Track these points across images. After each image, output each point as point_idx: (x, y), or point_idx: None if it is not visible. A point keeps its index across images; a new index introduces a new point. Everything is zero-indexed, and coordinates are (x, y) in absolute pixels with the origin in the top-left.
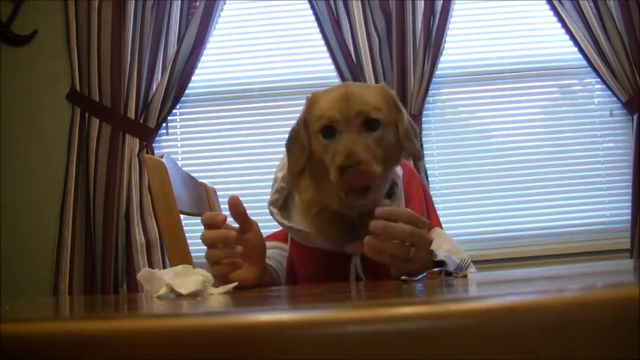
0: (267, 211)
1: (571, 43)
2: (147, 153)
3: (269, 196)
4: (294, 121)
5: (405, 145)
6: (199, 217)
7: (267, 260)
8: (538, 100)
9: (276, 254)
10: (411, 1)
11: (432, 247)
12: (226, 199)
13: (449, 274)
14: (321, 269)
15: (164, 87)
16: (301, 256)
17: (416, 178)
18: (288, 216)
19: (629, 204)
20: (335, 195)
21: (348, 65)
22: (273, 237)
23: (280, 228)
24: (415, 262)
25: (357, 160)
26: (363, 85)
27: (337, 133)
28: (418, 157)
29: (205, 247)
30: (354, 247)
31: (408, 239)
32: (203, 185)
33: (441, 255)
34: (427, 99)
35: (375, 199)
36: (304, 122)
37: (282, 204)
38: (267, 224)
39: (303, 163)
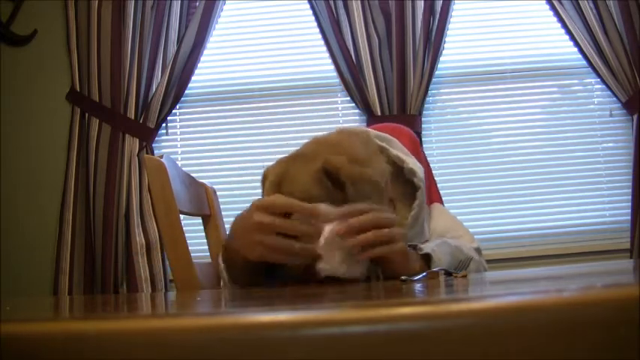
0: None
1: (571, 43)
2: (147, 153)
3: None
4: (293, 121)
5: None
6: (199, 217)
7: None
8: (538, 100)
9: None
10: (410, 2)
11: (430, 226)
12: (226, 199)
13: (449, 274)
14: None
15: (164, 87)
16: None
17: (420, 149)
18: None
19: (629, 204)
20: None
21: (348, 65)
22: None
23: None
24: (398, 239)
25: None
26: (306, 164)
27: None
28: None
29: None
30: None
31: (376, 223)
32: (203, 185)
33: (427, 248)
34: (427, 99)
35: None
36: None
37: None
38: None
39: None
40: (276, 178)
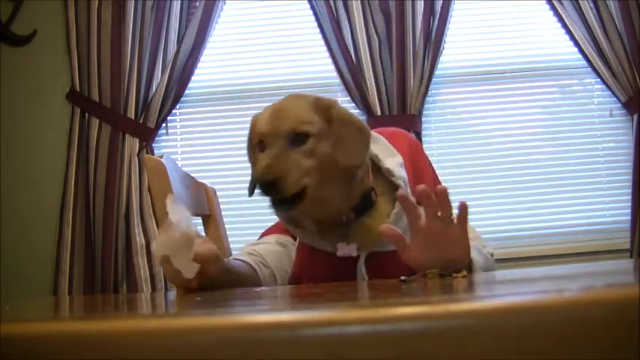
0: (268, 210)
1: (571, 43)
2: (147, 153)
3: None
4: None
5: (337, 155)
6: (199, 217)
7: (248, 257)
8: (538, 100)
9: (262, 249)
10: (410, 2)
11: None
12: (226, 199)
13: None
14: (327, 273)
15: (164, 87)
16: (308, 259)
17: (422, 151)
18: (295, 220)
19: (629, 204)
20: None
21: (348, 65)
22: (274, 230)
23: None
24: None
25: (269, 174)
26: (299, 97)
27: (267, 147)
28: (354, 167)
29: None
30: (344, 249)
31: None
32: (203, 185)
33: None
34: (427, 99)
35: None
36: (249, 140)
37: None
38: (267, 223)
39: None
40: (274, 109)
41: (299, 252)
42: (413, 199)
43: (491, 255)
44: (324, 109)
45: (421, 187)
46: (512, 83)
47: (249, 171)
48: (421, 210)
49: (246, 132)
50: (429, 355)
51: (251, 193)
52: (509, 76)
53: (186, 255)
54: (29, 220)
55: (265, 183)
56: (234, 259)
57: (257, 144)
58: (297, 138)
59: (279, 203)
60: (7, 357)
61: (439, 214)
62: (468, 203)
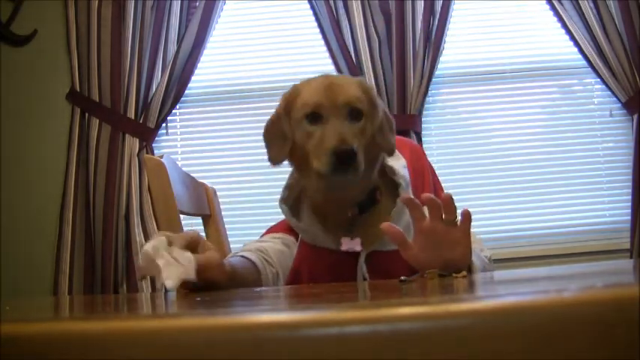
0: (268, 210)
1: (571, 43)
2: (147, 153)
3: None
4: None
5: (379, 139)
6: (199, 217)
7: (255, 254)
8: (538, 100)
9: (269, 247)
10: (410, 2)
11: None
12: (226, 199)
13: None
14: (328, 271)
15: (164, 87)
16: (309, 257)
17: (423, 154)
18: (298, 215)
19: (629, 204)
20: (315, 182)
21: (348, 65)
22: (277, 228)
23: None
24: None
25: (349, 144)
26: (343, 76)
27: (324, 119)
28: (391, 152)
29: None
30: (348, 244)
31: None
32: (203, 185)
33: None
34: (427, 99)
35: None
36: (285, 112)
37: (293, 202)
38: (268, 223)
39: (286, 152)
40: (325, 84)
41: (300, 247)
42: (416, 199)
43: (489, 258)
44: (367, 90)
45: (427, 195)
46: (512, 83)
47: (251, 175)
48: (425, 211)
49: (246, 132)
50: (429, 355)
51: (278, 162)
52: (509, 76)
53: (169, 258)
54: (29, 219)
55: (349, 152)
56: (242, 255)
57: (306, 115)
58: (353, 114)
59: (346, 170)
60: (7, 357)
61: (443, 217)
62: (468, 207)
